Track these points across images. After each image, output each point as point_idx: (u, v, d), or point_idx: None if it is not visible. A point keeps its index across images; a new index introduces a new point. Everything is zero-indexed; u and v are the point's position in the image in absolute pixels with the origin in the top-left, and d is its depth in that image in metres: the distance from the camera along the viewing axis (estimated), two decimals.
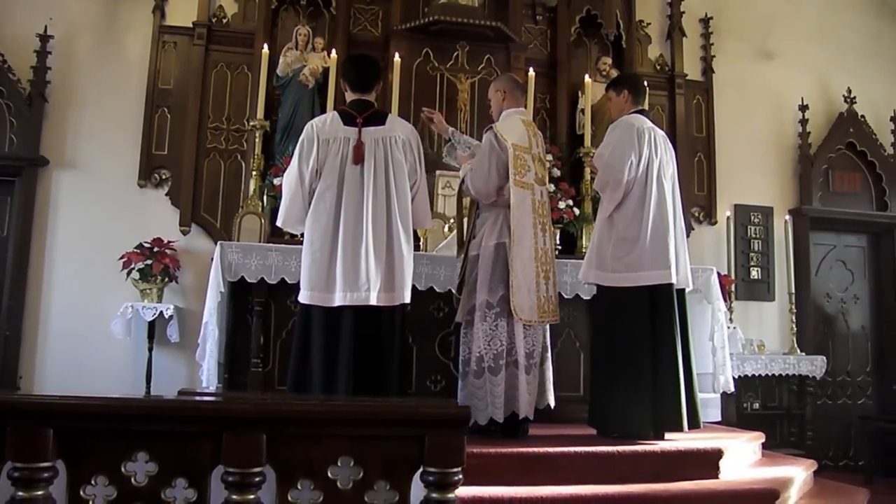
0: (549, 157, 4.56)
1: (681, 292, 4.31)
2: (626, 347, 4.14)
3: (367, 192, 3.82)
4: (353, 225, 3.79)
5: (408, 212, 3.93)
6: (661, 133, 4.44)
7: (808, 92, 7.21)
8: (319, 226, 3.82)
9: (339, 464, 1.92)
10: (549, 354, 4.32)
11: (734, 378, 5.34)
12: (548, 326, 4.31)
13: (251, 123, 5.55)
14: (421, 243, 5.25)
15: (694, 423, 4.15)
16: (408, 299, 3.92)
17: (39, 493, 1.80)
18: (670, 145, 4.50)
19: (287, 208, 3.95)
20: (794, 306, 6.63)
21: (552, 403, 4.29)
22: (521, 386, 4.02)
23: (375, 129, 3.92)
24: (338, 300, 3.75)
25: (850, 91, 7.21)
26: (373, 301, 3.75)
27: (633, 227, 4.19)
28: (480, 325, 4.09)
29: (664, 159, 4.35)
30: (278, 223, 4.08)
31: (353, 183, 3.84)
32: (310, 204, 3.88)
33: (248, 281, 4.70)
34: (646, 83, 5.98)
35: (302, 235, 4.02)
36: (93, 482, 1.86)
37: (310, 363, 3.79)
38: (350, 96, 4.07)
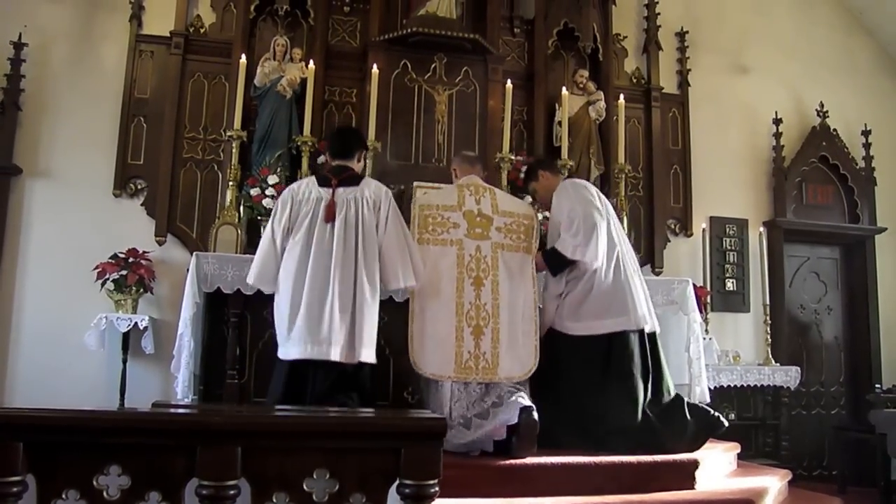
0: (514, 211, 4.49)
1: (651, 335, 4.44)
2: (574, 391, 4.25)
3: (336, 250, 3.91)
4: (321, 281, 3.87)
5: (375, 271, 3.99)
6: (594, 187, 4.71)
7: (781, 106, 7.31)
8: (288, 281, 3.94)
9: (314, 476, 1.91)
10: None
11: (710, 389, 5.37)
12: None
13: (228, 134, 5.52)
14: None
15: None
16: (367, 358, 3.94)
17: None
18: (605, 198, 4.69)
19: (259, 267, 4.06)
20: (768, 317, 6.69)
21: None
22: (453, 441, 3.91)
23: (348, 190, 4.05)
24: (298, 354, 3.84)
25: (822, 105, 7.33)
26: (334, 357, 3.82)
27: (592, 278, 4.33)
28: (427, 389, 4.25)
29: (609, 209, 4.56)
30: (249, 281, 4.17)
31: (322, 241, 3.94)
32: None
33: (224, 292, 4.68)
34: (620, 96, 6.13)
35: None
36: (64, 496, 1.83)
37: None
38: (332, 163, 4.21)
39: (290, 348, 3.88)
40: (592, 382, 4.25)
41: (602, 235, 4.31)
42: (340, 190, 4.04)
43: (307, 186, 4.11)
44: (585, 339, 4.33)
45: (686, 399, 4.43)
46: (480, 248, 4.28)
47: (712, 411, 4.29)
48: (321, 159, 5.68)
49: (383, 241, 4.05)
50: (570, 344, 4.35)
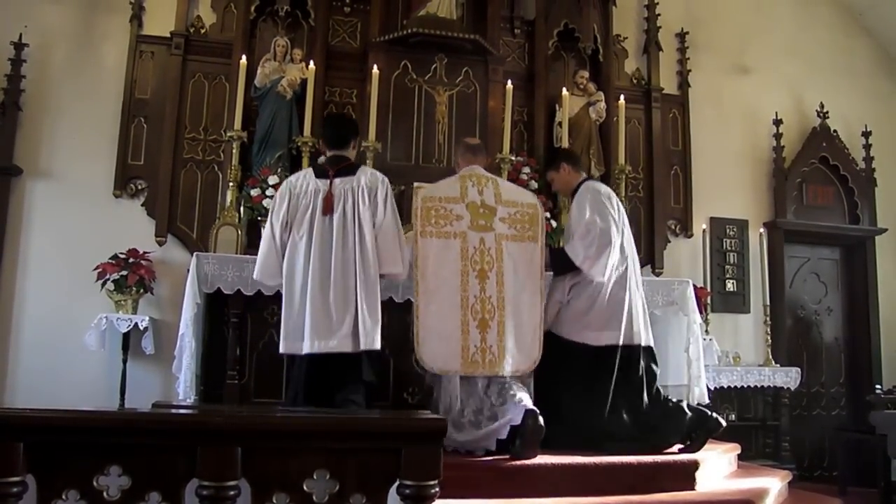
0: (512, 201, 4.45)
1: (648, 348, 4.47)
2: (573, 398, 4.28)
3: (336, 242, 3.93)
4: (321, 275, 3.89)
5: (373, 260, 3.98)
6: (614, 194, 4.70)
7: (782, 107, 7.31)
8: (292, 276, 3.96)
9: (314, 477, 1.91)
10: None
11: (710, 389, 5.38)
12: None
13: (228, 134, 5.51)
14: None
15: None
16: (373, 346, 3.93)
17: None
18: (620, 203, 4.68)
19: (262, 263, 4.08)
20: (768, 318, 6.69)
21: None
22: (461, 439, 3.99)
23: (345, 180, 4.05)
24: (307, 348, 3.87)
25: (822, 106, 7.33)
26: (339, 349, 3.85)
27: (595, 290, 4.35)
28: (434, 386, 4.27)
29: (625, 219, 4.57)
30: (255, 277, 4.19)
31: (322, 233, 3.96)
32: (284, 256, 4.01)
33: (225, 292, 4.68)
34: (620, 97, 6.13)
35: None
36: (64, 497, 1.83)
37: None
38: (328, 153, 4.22)
39: (297, 343, 3.90)
40: (590, 390, 4.27)
41: (615, 253, 4.32)
42: (338, 181, 4.05)
43: (304, 178, 4.12)
44: (583, 347, 4.35)
45: (685, 402, 4.45)
46: (484, 240, 4.25)
47: (710, 413, 4.30)
48: (321, 160, 5.69)
49: (381, 225, 4.05)
50: (569, 350, 4.36)
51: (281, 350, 4.01)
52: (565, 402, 4.27)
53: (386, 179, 4.20)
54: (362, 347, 3.91)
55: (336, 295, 3.86)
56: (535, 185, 6.06)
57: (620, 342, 4.32)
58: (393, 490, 1.96)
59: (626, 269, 4.47)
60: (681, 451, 4.15)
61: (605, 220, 4.35)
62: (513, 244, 4.30)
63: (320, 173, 4.12)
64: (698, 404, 4.80)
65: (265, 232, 4.12)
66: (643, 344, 4.44)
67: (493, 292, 4.18)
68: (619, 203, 4.63)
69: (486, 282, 4.18)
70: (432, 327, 4.08)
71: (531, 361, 4.19)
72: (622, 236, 4.48)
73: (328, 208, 3.97)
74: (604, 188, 4.64)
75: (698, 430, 4.19)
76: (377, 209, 4.06)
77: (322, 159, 4.36)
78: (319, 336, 3.85)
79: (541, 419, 3.79)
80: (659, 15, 6.99)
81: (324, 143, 4.31)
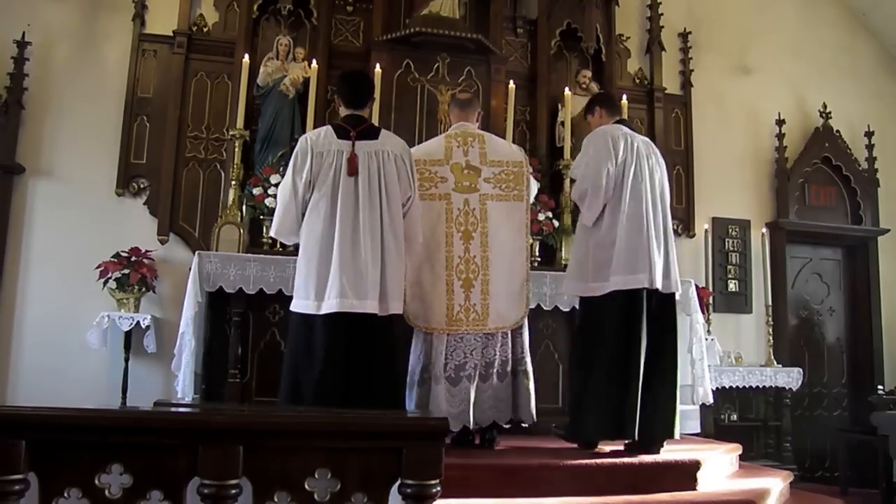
0: (500, 161, 4.41)
1: (669, 296, 4.27)
2: (603, 354, 4.14)
3: (362, 203, 3.83)
4: (350, 234, 3.79)
5: (399, 224, 3.94)
6: (641, 138, 4.44)
7: (784, 107, 7.31)
8: (315, 235, 3.83)
9: (316, 476, 1.91)
10: (522, 368, 4.26)
11: (712, 390, 5.37)
12: (517, 337, 4.26)
13: (231, 133, 5.53)
14: None
15: (662, 433, 4.12)
16: (397, 310, 3.89)
17: None
18: (656, 149, 4.48)
19: (280, 219, 3.96)
20: (770, 319, 6.69)
21: (527, 420, 4.25)
22: (438, 397, 4.06)
23: (368, 143, 3.95)
24: (335, 307, 3.70)
25: (825, 106, 7.32)
26: (369, 309, 3.73)
27: (611, 232, 4.19)
28: (414, 340, 4.26)
29: (643, 164, 4.30)
30: (271, 233, 4.08)
31: (347, 194, 3.85)
32: (303, 215, 3.90)
33: (227, 291, 4.68)
34: (623, 96, 6.10)
35: (294, 246, 4.05)
36: (66, 495, 1.83)
37: (305, 374, 3.76)
38: (344, 112, 4.12)
39: (319, 303, 3.74)
40: (623, 360, 4.12)
41: (598, 199, 4.17)
42: (360, 143, 3.93)
43: (325, 137, 3.96)
44: (608, 301, 4.18)
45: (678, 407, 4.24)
46: (468, 201, 4.28)
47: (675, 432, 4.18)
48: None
49: (414, 200, 4.02)
50: (595, 313, 4.25)
51: (295, 308, 3.80)
52: (595, 380, 4.14)
53: (408, 148, 4.11)
54: (389, 311, 3.82)
55: (366, 255, 3.75)
56: (536, 184, 6.05)
57: (637, 286, 4.11)
58: (394, 489, 1.96)
59: (642, 210, 4.22)
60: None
61: (594, 164, 4.19)
62: (498, 203, 4.31)
63: (341, 134, 3.96)
64: (702, 405, 4.78)
65: (284, 188, 3.93)
66: (664, 290, 4.21)
67: (478, 252, 4.24)
68: (638, 144, 4.32)
69: (470, 242, 4.24)
70: (418, 287, 4.18)
71: (515, 319, 4.23)
72: (637, 179, 4.23)
73: (353, 169, 3.86)
74: (615, 131, 4.31)
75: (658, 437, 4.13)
76: (408, 182, 3.99)
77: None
78: (352, 294, 3.69)
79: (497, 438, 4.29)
80: (661, 15, 6.98)
81: (339, 100, 4.16)
